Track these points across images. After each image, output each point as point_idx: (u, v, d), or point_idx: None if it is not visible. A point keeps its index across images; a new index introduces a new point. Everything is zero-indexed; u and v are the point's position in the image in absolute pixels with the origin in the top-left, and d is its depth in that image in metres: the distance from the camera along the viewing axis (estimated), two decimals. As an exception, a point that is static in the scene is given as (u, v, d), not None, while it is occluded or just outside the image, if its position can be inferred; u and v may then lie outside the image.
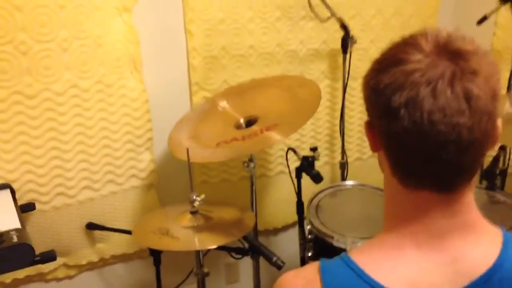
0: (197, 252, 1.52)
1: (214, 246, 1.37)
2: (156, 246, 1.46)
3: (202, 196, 1.45)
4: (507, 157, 1.99)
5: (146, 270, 1.98)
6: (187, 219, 1.45)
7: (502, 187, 1.99)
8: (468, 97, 0.64)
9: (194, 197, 1.43)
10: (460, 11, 2.41)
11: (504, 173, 1.99)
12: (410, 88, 0.64)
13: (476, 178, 0.73)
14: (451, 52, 0.66)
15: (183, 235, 1.41)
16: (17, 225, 1.30)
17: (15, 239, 1.22)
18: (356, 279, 0.71)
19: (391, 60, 0.69)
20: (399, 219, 0.74)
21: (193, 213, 1.45)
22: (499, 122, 0.70)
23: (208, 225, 1.45)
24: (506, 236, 0.74)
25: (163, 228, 1.43)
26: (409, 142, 0.67)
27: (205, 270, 1.54)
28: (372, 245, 0.77)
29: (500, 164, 1.97)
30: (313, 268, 0.75)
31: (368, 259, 0.73)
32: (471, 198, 0.73)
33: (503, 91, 2.09)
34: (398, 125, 0.66)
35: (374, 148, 0.76)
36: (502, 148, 1.75)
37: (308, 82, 1.72)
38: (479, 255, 0.71)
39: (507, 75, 2.07)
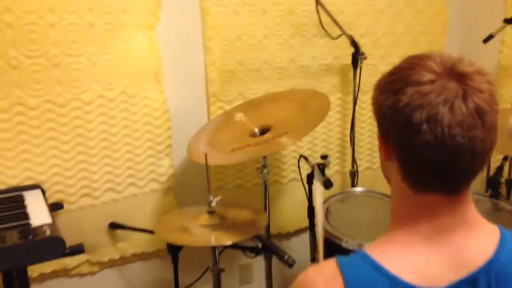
0: (213, 248, 1.63)
1: (229, 243, 1.49)
2: (176, 241, 1.58)
3: (219, 197, 1.57)
4: None
5: (163, 269, 2.10)
6: (205, 219, 1.58)
7: (508, 196, 2.07)
8: (479, 112, 0.73)
9: (211, 198, 1.56)
10: (467, 30, 2.51)
11: (509, 182, 2.07)
12: (430, 107, 0.73)
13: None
14: (457, 74, 0.75)
15: (201, 232, 1.53)
16: (49, 220, 1.43)
17: (48, 232, 1.35)
18: (373, 272, 0.79)
19: (405, 81, 0.77)
20: (409, 219, 0.83)
21: (210, 213, 1.58)
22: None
23: (224, 224, 1.57)
24: (503, 232, 0.83)
25: (183, 226, 1.56)
26: (429, 154, 0.75)
27: (221, 267, 1.65)
28: (384, 242, 0.85)
29: (506, 174, 2.07)
30: (331, 264, 0.82)
31: (383, 254, 0.82)
32: (470, 198, 0.83)
33: (508, 105, 2.17)
34: (419, 139, 0.75)
35: (386, 158, 0.85)
36: (505, 159, 1.83)
37: (318, 94, 1.83)
38: (478, 249, 0.80)
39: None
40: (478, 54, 2.40)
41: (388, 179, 0.90)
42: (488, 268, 0.79)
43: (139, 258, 2.09)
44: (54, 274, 1.92)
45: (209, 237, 1.51)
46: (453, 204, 0.80)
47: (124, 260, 2.06)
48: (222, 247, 1.84)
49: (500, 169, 1.78)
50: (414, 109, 0.74)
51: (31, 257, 1.32)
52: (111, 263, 2.03)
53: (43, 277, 1.91)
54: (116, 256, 2.01)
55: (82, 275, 1.99)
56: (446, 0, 2.49)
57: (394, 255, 0.81)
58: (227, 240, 1.48)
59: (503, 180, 2.06)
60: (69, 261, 1.92)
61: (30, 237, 1.32)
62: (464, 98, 0.73)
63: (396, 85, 0.78)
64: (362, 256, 0.82)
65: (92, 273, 2.01)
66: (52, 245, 1.34)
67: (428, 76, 0.75)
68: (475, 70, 0.76)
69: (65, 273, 1.95)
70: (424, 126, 0.74)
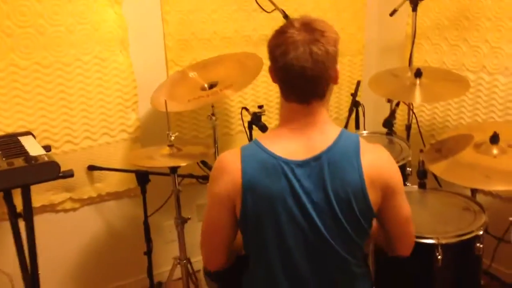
0: (172, 170, 2.08)
1: (184, 164, 1.96)
2: (144, 164, 2.05)
3: (176, 133, 2.04)
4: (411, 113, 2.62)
5: (134, 206, 2.54)
6: (165, 150, 2.04)
7: (407, 138, 2.61)
8: (311, 52, 1.22)
9: (170, 134, 2.01)
10: (382, 6, 3.02)
11: (408, 127, 2.63)
12: (284, 46, 1.23)
13: (327, 101, 1.33)
14: (309, 29, 1.24)
15: (162, 158, 2.00)
16: (44, 152, 1.83)
17: (46, 158, 1.75)
18: (258, 149, 1.30)
19: (279, 31, 1.28)
20: (284, 119, 1.34)
21: (170, 146, 2.04)
22: (337, 68, 1.29)
23: (180, 154, 2.04)
24: (342, 131, 1.33)
25: (148, 155, 2.02)
26: (282, 76, 1.28)
27: (179, 188, 2.12)
28: (269, 133, 1.38)
29: (406, 121, 2.62)
30: (237, 148, 1.33)
31: (266, 140, 1.32)
32: (321, 109, 1.31)
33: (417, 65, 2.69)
34: (276, 66, 1.27)
35: (273, 80, 1.34)
36: (397, 105, 2.36)
37: (253, 55, 2.29)
38: (323, 140, 1.30)
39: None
40: (391, 25, 2.93)
41: None
42: (327, 151, 1.29)
43: (113, 197, 2.51)
44: (43, 209, 2.31)
45: (168, 160, 1.97)
46: (305, 110, 1.30)
47: (100, 198, 2.47)
48: (181, 178, 2.29)
49: (393, 112, 2.31)
50: (276, 47, 1.25)
51: (34, 177, 1.70)
52: (90, 201, 2.45)
53: (34, 212, 2.29)
54: (94, 194, 2.43)
55: (66, 210, 2.40)
56: (364, -19, 3.00)
57: (272, 140, 1.32)
58: (182, 163, 1.95)
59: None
60: (55, 198, 2.32)
61: (33, 161, 1.73)
62: (306, 43, 1.22)
63: (274, 34, 1.28)
64: (254, 141, 1.33)
65: (74, 209, 2.42)
66: (50, 168, 1.72)
67: (290, 29, 1.24)
68: (320, 27, 1.24)
69: (52, 208, 2.35)
70: (279, 58, 1.24)
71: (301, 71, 1.23)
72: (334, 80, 1.31)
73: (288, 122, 1.32)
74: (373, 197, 1.29)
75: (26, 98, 2.13)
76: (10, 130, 2.12)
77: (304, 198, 1.26)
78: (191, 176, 2.33)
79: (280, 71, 1.27)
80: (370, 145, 1.33)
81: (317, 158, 1.27)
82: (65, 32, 2.16)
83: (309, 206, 1.27)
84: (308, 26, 1.24)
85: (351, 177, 1.26)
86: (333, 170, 1.26)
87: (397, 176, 1.35)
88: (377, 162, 1.30)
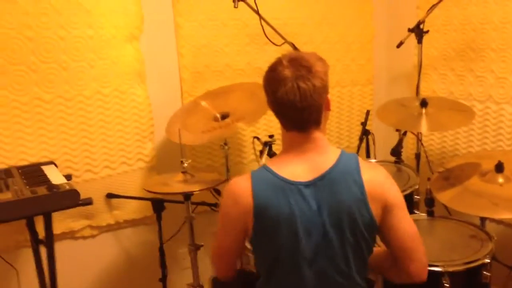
0: (186, 197, 2.15)
1: (197, 190, 2.04)
2: (159, 190, 2.12)
3: (189, 160, 2.13)
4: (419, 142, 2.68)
5: (149, 233, 2.61)
6: (179, 177, 2.13)
7: (417, 168, 2.65)
8: (299, 87, 1.31)
9: (184, 161, 2.11)
10: (390, 38, 3.10)
11: (417, 156, 2.67)
12: (275, 83, 1.34)
13: (324, 126, 1.42)
14: (296, 65, 1.33)
15: (176, 185, 2.10)
16: (66, 181, 1.93)
17: (67, 187, 1.85)
18: (267, 173, 1.38)
19: (270, 69, 1.38)
20: (286, 146, 1.43)
21: (183, 172, 2.13)
22: (327, 97, 1.39)
23: (194, 180, 2.13)
24: (342, 152, 1.42)
25: (163, 182, 2.11)
26: (276, 108, 1.38)
27: (193, 215, 2.20)
28: (276, 159, 1.47)
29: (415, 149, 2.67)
30: (247, 173, 1.41)
31: (274, 165, 1.41)
32: (318, 134, 1.40)
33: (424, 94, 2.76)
34: (270, 99, 1.37)
35: (271, 111, 1.42)
36: (404, 134, 2.42)
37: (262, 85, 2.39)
38: (325, 162, 1.38)
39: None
40: (399, 56, 3.01)
41: None
42: (330, 171, 1.38)
43: (130, 225, 2.60)
44: (63, 236, 2.40)
45: (182, 186, 2.06)
46: (304, 137, 1.40)
47: (118, 226, 2.55)
48: (195, 205, 2.36)
49: (400, 141, 2.37)
50: (268, 83, 1.36)
51: (56, 205, 1.81)
52: (108, 228, 2.53)
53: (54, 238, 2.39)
54: (112, 221, 2.51)
55: (84, 237, 2.48)
56: (372, 14, 3.10)
57: (279, 165, 1.41)
58: (195, 188, 2.04)
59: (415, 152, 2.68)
60: (74, 225, 2.41)
61: (55, 189, 1.82)
62: (293, 79, 1.31)
63: (267, 71, 1.39)
64: (263, 167, 1.42)
65: (93, 236, 2.50)
66: (71, 196, 1.82)
67: (279, 66, 1.34)
68: (307, 63, 1.33)
69: (71, 235, 2.43)
70: (271, 93, 1.35)
71: (292, 105, 1.33)
72: (326, 107, 1.42)
73: (291, 148, 1.42)
74: (375, 211, 1.38)
75: (49, 129, 2.25)
76: (34, 159, 2.23)
77: (312, 216, 1.35)
78: (204, 203, 2.41)
79: (274, 105, 1.38)
80: (368, 163, 1.45)
81: (321, 178, 1.36)
82: (86, 67, 2.29)
83: (318, 223, 1.35)
84: (295, 61, 1.34)
85: (354, 192, 1.35)
86: (337, 187, 1.35)
87: (396, 191, 1.43)
88: (376, 177, 1.40)
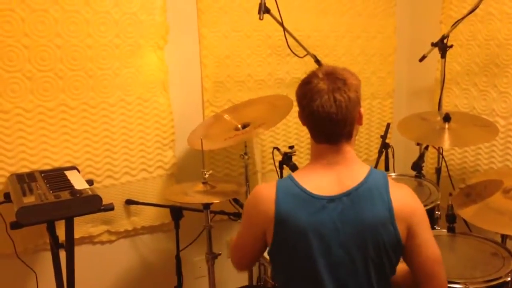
0: (206, 207, 2.17)
1: (217, 201, 2.05)
2: (178, 200, 2.13)
3: (210, 171, 2.14)
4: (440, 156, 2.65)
5: (166, 241, 2.63)
6: (199, 187, 2.15)
7: (437, 182, 2.63)
8: (335, 100, 1.33)
9: (205, 171, 2.12)
10: (412, 52, 3.10)
11: (438, 170, 2.65)
12: (310, 95, 1.35)
13: (354, 140, 1.42)
14: (331, 78, 1.36)
15: (196, 195, 2.10)
16: (88, 186, 1.96)
17: (89, 192, 1.87)
18: (292, 184, 1.39)
19: (304, 81, 1.40)
20: (315, 157, 1.44)
21: (204, 183, 2.14)
22: (360, 111, 1.40)
23: (213, 191, 2.13)
24: (372, 170, 1.41)
25: (183, 191, 2.12)
26: (310, 120, 1.39)
27: (211, 224, 2.20)
28: (302, 170, 1.46)
29: (436, 164, 2.65)
30: (273, 181, 1.42)
31: (299, 176, 1.41)
32: (349, 148, 1.41)
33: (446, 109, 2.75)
34: (305, 113, 1.38)
35: (303, 124, 1.44)
36: (426, 148, 2.40)
37: (283, 97, 2.42)
38: (353, 177, 1.38)
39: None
40: (421, 70, 3.00)
41: None
42: (357, 187, 1.37)
43: (148, 231, 2.61)
44: (81, 241, 2.42)
45: (202, 197, 2.07)
46: (334, 149, 1.41)
47: (135, 232, 2.57)
48: (213, 214, 2.37)
49: (421, 155, 2.36)
50: (303, 96, 1.38)
51: (79, 209, 1.83)
52: (126, 234, 2.55)
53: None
54: (130, 227, 2.53)
55: (102, 242, 2.50)
56: (394, 27, 3.11)
57: (305, 176, 1.41)
58: (215, 200, 2.05)
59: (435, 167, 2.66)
60: (93, 230, 2.44)
61: (78, 194, 1.85)
62: (329, 91, 1.33)
63: (300, 84, 1.41)
64: (289, 177, 1.42)
65: (110, 242, 2.52)
66: (93, 201, 1.85)
67: (314, 79, 1.36)
68: (343, 76, 1.36)
69: (90, 240, 2.46)
70: (306, 106, 1.36)
71: (327, 117, 1.34)
72: (359, 121, 1.42)
73: (319, 159, 1.42)
74: (401, 232, 1.36)
75: (73, 135, 2.28)
76: (57, 164, 2.26)
77: (335, 232, 1.34)
78: (223, 213, 2.42)
79: (308, 118, 1.39)
80: (397, 183, 1.43)
81: (348, 194, 1.36)
82: (111, 75, 2.32)
83: (340, 240, 1.34)
84: (331, 75, 1.36)
85: (381, 210, 1.34)
86: (364, 204, 1.34)
87: (423, 213, 1.41)
88: (404, 198, 1.39)
